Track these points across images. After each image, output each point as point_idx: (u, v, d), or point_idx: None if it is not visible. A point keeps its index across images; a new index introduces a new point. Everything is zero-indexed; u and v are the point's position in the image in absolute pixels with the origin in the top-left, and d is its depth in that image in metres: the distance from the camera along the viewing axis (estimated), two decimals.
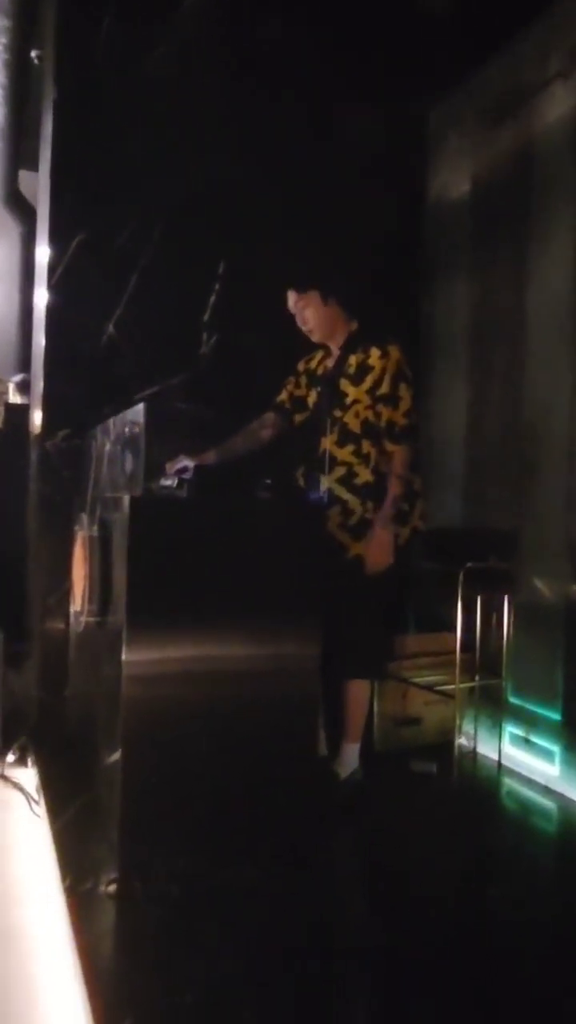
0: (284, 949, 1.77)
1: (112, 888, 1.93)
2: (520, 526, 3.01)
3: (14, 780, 2.62)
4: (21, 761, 2.73)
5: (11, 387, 5.11)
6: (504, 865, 2.31)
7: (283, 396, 2.83)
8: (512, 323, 3.12)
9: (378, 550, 2.57)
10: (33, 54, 4.02)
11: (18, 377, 5.06)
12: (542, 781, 2.81)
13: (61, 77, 3.01)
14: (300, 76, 3.25)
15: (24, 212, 5.65)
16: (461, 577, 2.82)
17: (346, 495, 2.61)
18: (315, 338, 2.72)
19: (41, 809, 2.39)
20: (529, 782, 2.84)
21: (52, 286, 2.96)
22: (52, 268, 2.96)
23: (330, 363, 2.73)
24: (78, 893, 1.90)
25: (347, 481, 2.61)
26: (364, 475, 2.61)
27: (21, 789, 2.55)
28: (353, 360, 2.64)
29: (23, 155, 4.95)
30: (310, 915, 1.94)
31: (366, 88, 3.37)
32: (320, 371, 2.76)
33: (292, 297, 2.67)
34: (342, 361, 2.67)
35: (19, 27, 3.82)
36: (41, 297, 3.13)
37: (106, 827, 2.13)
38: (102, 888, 1.93)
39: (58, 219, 3.00)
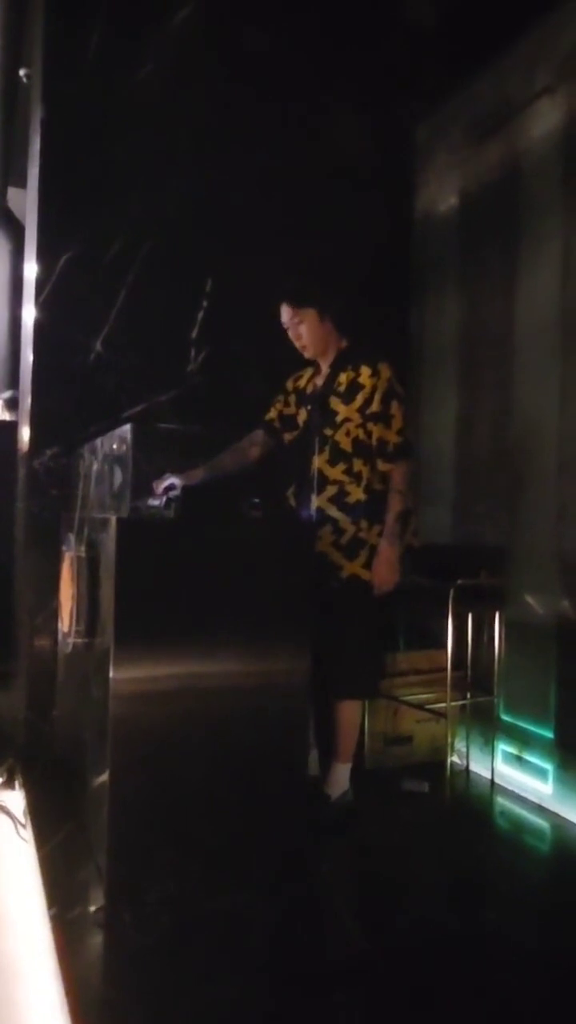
0: (275, 974, 1.75)
1: (99, 915, 1.90)
2: (510, 541, 3.01)
3: (1, 803, 2.58)
4: (8, 784, 2.68)
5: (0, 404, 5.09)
6: (497, 884, 2.29)
7: (272, 414, 2.81)
8: (501, 337, 3.13)
9: (386, 568, 2.57)
10: (21, 72, 4.04)
11: (7, 394, 5.04)
12: (535, 800, 2.79)
13: (48, 95, 3.02)
14: (288, 92, 3.27)
15: (13, 229, 5.65)
16: (452, 594, 2.81)
17: (337, 514, 2.59)
18: (308, 354, 2.71)
19: (28, 833, 2.35)
20: (522, 800, 2.82)
21: (40, 303, 2.95)
22: (40, 285, 2.95)
23: (319, 381, 2.72)
24: (65, 921, 1.87)
25: (339, 500, 2.60)
26: (356, 494, 2.60)
27: (8, 813, 2.51)
28: (343, 378, 2.63)
29: (11, 172, 4.96)
30: (302, 939, 1.91)
31: (355, 103, 3.40)
32: (309, 389, 2.76)
33: (287, 312, 2.65)
34: (332, 379, 2.66)
35: (7, 46, 3.83)
36: (29, 314, 3.12)
37: (94, 851, 2.10)
38: (92, 911, 1.90)
39: (46, 236, 2.99)
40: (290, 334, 2.68)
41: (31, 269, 3.13)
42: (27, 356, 3.18)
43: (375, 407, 2.59)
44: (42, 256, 2.97)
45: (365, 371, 2.60)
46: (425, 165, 3.66)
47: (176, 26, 3.11)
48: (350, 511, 2.59)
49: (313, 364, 2.76)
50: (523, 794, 2.84)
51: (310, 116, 3.32)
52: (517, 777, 2.89)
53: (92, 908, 1.92)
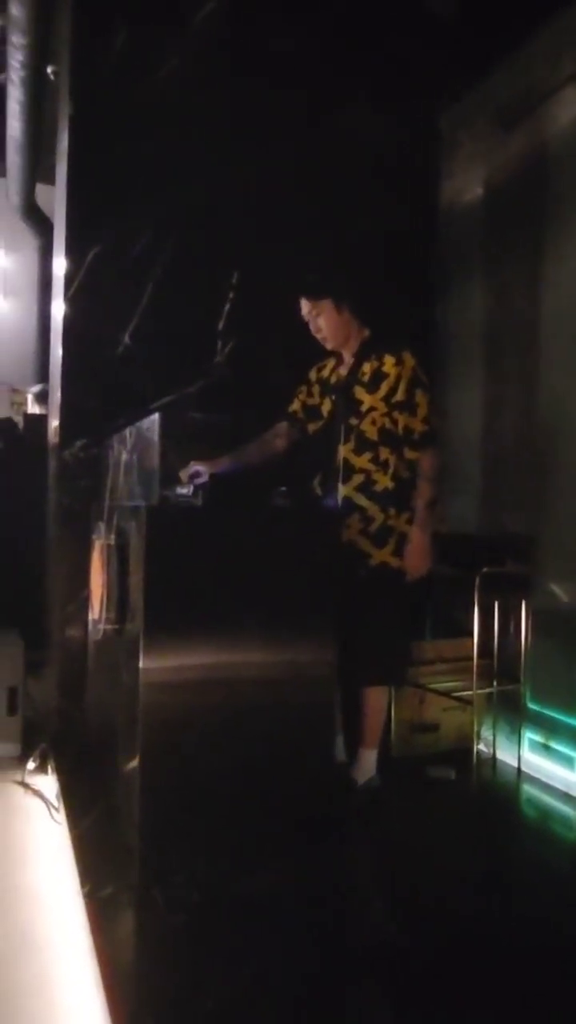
0: (304, 954, 1.78)
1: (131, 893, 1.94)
2: (536, 530, 3.00)
3: (34, 787, 2.64)
4: (41, 768, 2.75)
5: (30, 397, 5.19)
6: (524, 872, 2.29)
7: (295, 406, 2.83)
8: (527, 326, 3.11)
9: (419, 555, 2.60)
10: (49, 70, 4.10)
11: (37, 387, 5.14)
12: (562, 787, 2.79)
13: (76, 92, 3.06)
14: (312, 84, 3.28)
15: (42, 225, 5.74)
16: (477, 582, 2.82)
17: (365, 502, 2.61)
18: (329, 345, 2.73)
19: (61, 816, 2.41)
20: (549, 788, 2.82)
21: (69, 298, 3.00)
22: (69, 280, 3.00)
23: (343, 371, 2.74)
24: (98, 899, 1.92)
25: (366, 488, 2.62)
26: (383, 482, 2.61)
27: (41, 796, 2.58)
28: (367, 368, 2.65)
29: (40, 169, 5.04)
30: (329, 921, 1.94)
31: (378, 94, 3.40)
32: (333, 379, 2.77)
33: (305, 305, 2.68)
34: (356, 369, 2.68)
35: (34, 44, 3.88)
36: (59, 308, 3.18)
37: (125, 833, 2.15)
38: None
39: (74, 232, 3.04)
40: (310, 327, 2.70)
41: (60, 264, 3.18)
42: (56, 350, 3.23)
43: (400, 396, 2.60)
44: (71, 252, 3.02)
45: (389, 360, 2.62)
46: (450, 155, 3.64)
47: (200, 22, 3.13)
48: (378, 499, 2.61)
49: (336, 354, 2.78)
50: (550, 782, 2.84)
51: (334, 108, 3.32)
52: (544, 765, 2.89)
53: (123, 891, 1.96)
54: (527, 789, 2.85)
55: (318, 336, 2.71)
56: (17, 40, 3.85)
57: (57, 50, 3.73)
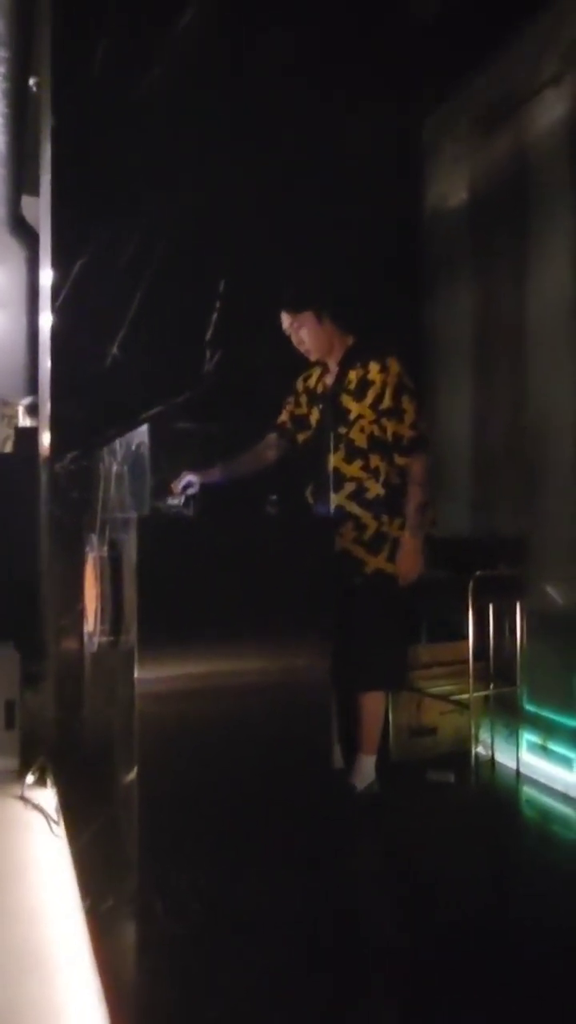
0: (307, 963, 1.77)
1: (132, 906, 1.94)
2: (528, 532, 3.01)
3: (33, 801, 2.63)
4: (40, 782, 2.74)
5: (20, 410, 5.17)
6: (525, 874, 2.30)
7: (284, 416, 2.84)
8: (514, 329, 3.12)
9: (411, 559, 2.61)
10: (31, 82, 4.09)
11: (27, 400, 5.12)
12: (561, 789, 2.79)
13: (59, 104, 3.06)
14: (295, 91, 3.28)
15: (27, 237, 5.73)
16: (471, 585, 2.82)
17: (357, 510, 2.61)
18: (313, 357, 2.74)
19: (61, 830, 2.40)
20: (548, 790, 2.83)
21: (56, 309, 3.00)
22: (56, 291, 3.00)
23: (329, 380, 2.74)
24: (99, 913, 1.91)
25: (358, 496, 2.62)
26: (375, 489, 2.62)
27: (41, 810, 2.57)
28: (353, 376, 2.65)
29: (24, 181, 5.03)
30: (332, 929, 1.94)
31: (361, 100, 3.41)
32: (319, 388, 2.78)
33: (286, 319, 2.68)
34: (341, 377, 2.68)
35: (16, 57, 3.89)
36: (46, 320, 3.17)
37: (125, 846, 2.14)
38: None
39: (60, 243, 3.04)
40: (293, 340, 2.70)
41: (47, 276, 3.18)
42: (45, 362, 3.23)
43: (387, 403, 2.61)
44: (57, 263, 3.02)
45: (374, 367, 2.62)
46: (433, 158, 3.66)
47: (180, 31, 3.13)
48: (370, 507, 2.61)
49: (323, 363, 2.78)
50: (549, 783, 2.85)
51: (316, 115, 3.33)
52: (542, 766, 2.90)
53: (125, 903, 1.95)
54: (526, 791, 2.85)
55: (301, 349, 2.72)
56: None
57: (38, 62, 3.73)
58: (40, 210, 3.57)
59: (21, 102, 4.27)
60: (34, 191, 4.08)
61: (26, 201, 5.40)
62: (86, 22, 3.02)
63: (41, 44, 3.52)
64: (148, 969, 1.81)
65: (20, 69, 4.01)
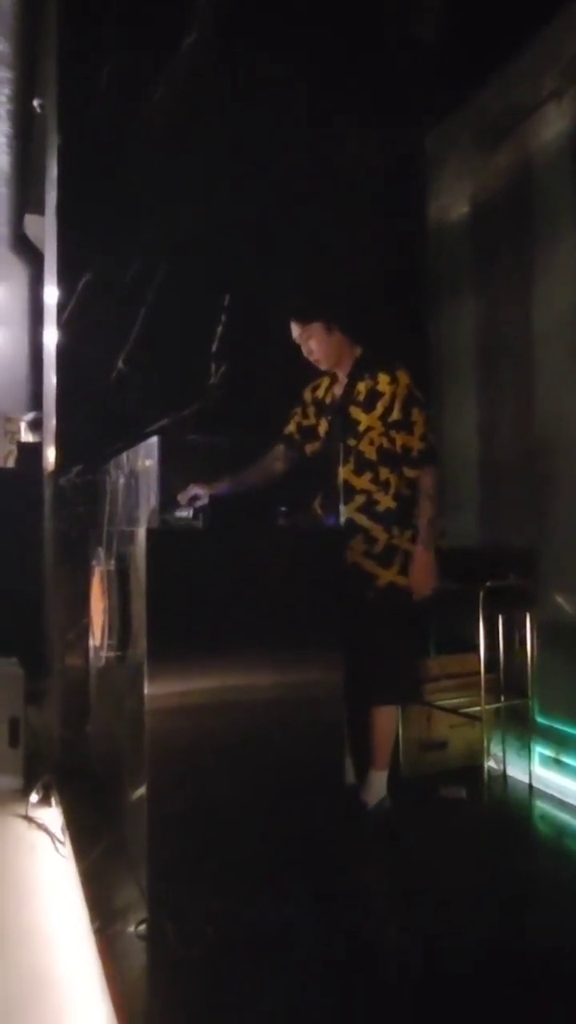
0: (321, 985, 1.73)
1: (142, 928, 1.89)
2: (537, 543, 2.99)
3: (38, 821, 2.59)
4: (45, 801, 2.70)
5: (23, 426, 5.17)
6: (540, 890, 2.25)
7: (291, 427, 2.82)
8: (519, 341, 3.12)
9: (424, 573, 2.58)
10: (35, 103, 4.14)
11: (30, 416, 5.12)
12: (574, 802, 2.75)
13: (64, 124, 3.09)
14: (298, 109, 3.31)
15: (30, 254, 5.78)
16: (481, 596, 2.80)
17: (367, 523, 2.59)
18: (322, 367, 2.73)
19: (67, 850, 2.36)
20: (562, 804, 2.78)
21: (62, 325, 3.00)
22: (61, 308, 3.00)
23: (337, 390, 2.73)
24: (108, 935, 1.87)
25: (368, 509, 2.60)
26: (385, 502, 2.60)
27: (46, 830, 2.53)
28: (362, 387, 2.64)
29: (28, 200, 5.07)
30: (345, 949, 1.89)
31: (364, 116, 3.43)
32: (328, 399, 2.76)
33: (295, 328, 2.68)
34: (350, 388, 2.67)
35: (21, 78, 3.93)
36: (51, 336, 3.18)
37: (134, 866, 2.10)
38: (131, 929, 1.89)
39: (65, 260, 3.05)
40: (302, 350, 2.70)
41: (51, 293, 3.18)
42: (50, 377, 3.23)
43: (396, 415, 2.59)
44: (62, 280, 3.03)
45: (383, 379, 2.61)
46: (436, 174, 3.68)
47: (185, 51, 3.16)
48: (380, 519, 2.59)
49: (330, 373, 2.78)
50: (562, 797, 2.80)
51: (321, 132, 3.35)
52: (555, 779, 2.86)
53: (133, 926, 1.91)
54: (540, 805, 2.81)
55: (310, 358, 2.71)
56: (2, 74, 3.90)
57: (43, 83, 3.76)
58: (45, 228, 3.59)
59: (26, 123, 4.31)
60: (39, 209, 4.10)
61: (30, 219, 5.44)
62: (90, 43, 3.05)
63: (46, 65, 3.56)
64: (158, 992, 1.76)
65: (25, 90, 4.05)
